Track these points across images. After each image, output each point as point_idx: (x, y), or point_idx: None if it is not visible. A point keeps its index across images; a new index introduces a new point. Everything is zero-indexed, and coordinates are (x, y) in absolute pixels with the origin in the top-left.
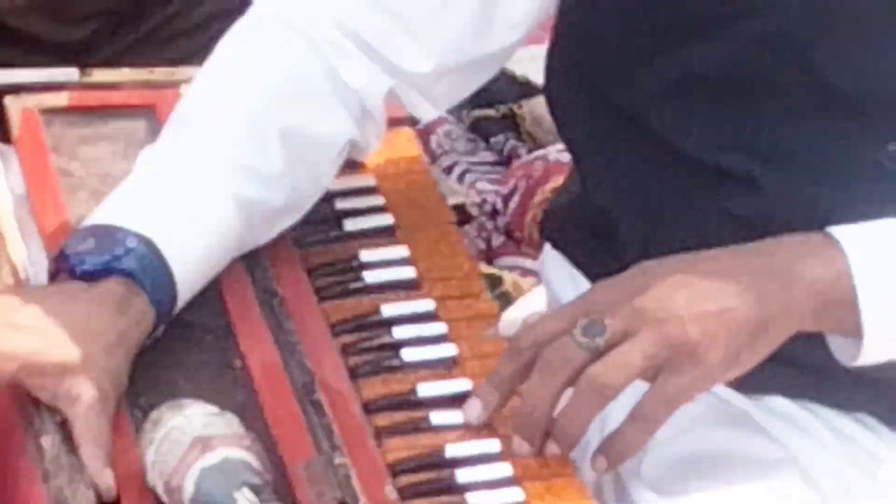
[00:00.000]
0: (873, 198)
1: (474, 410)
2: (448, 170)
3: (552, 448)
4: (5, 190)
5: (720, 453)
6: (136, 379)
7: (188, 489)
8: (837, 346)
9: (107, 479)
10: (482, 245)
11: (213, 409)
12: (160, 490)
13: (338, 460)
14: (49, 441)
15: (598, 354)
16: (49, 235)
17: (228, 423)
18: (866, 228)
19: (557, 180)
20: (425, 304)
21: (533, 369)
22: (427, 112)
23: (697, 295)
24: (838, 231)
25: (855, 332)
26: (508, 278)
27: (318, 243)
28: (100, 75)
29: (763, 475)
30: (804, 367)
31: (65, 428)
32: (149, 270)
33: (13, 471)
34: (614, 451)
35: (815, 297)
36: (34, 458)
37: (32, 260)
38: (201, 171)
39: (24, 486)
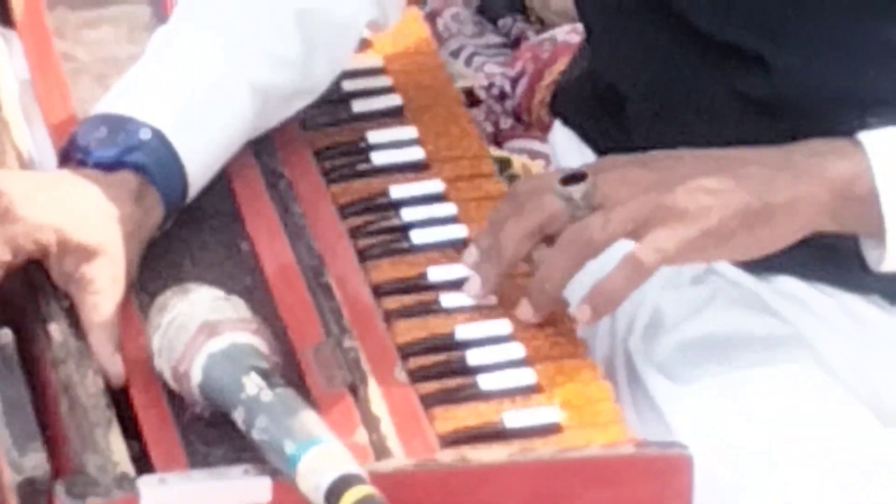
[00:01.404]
0: (884, 76)
1: (471, 256)
2: (455, 53)
3: (524, 310)
4: (9, 75)
5: (731, 335)
6: (144, 264)
7: (196, 375)
8: (867, 248)
9: (116, 365)
10: (490, 128)
11: (219, 293)
12: (167, 376)
13: (347, 343)
14: (57, 327)
15: (579, 210)
16: (54, 121)
17: (235, 308)
18: (892, 132)
19: (565, 62)
20: (435, 185)
21: (511, 214)
22: None
23: (697, 173)
24: (865, 135)
25: (878, 231)
26: (517, 161)
27: (325, 125)
28: None
29: (775, 357)
30: (814, 246)
31: (72, 314)
32: (160, 164)
33: (26, 357)
34: (601, 298)
35: (830, 193)
36: (43, 345)
37: (37, 146)
38: (215, 56)
39: (37, 371)
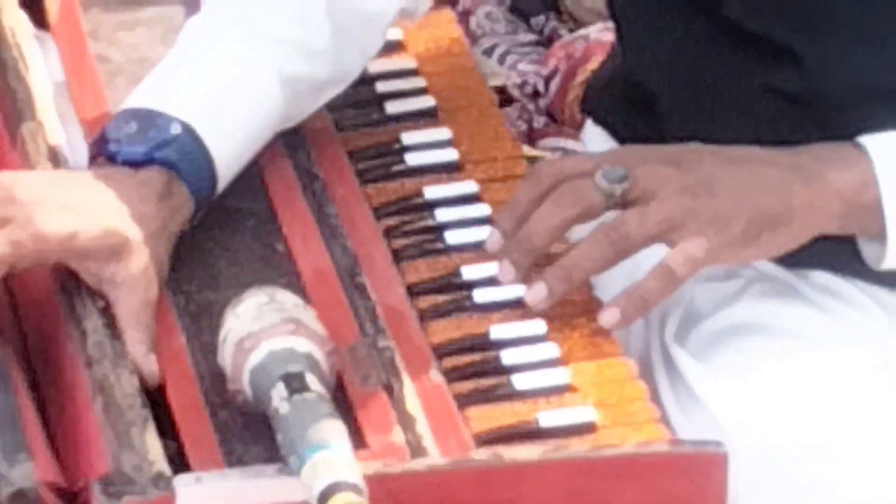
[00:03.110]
0: None
1: (494, 238)
2: (489, 51)
3: (538, 290)
4: (44, 76)
5: (767, 324)
6: (179, 264)
7: (248, 391)
8: (865, 248)
9: (150, 365)
10: (523, 127)
11: (265, 297)
12: (240, 396)
13: (382, 343)
14: (92, 326)
15: (614, 204)
16: (88, 121)
17: (280, 309)
18: (893, 137)
19: (598, 60)
20: (468, 186)
21: (546, 200)
22: None
23: (728, 173)
24: (868, 140)
25: (880, 236)
26: None
27: (359, 126)
28: None
29: (810, 345)
30: (843, 241)
31: (108, 314)
32: (189, 160)
33: (57, 357)
34: (632, 303)
35: (839, 201)
36: (77, 344)
37: (71, 146)
38: (243, 48)
39: (67, 370)
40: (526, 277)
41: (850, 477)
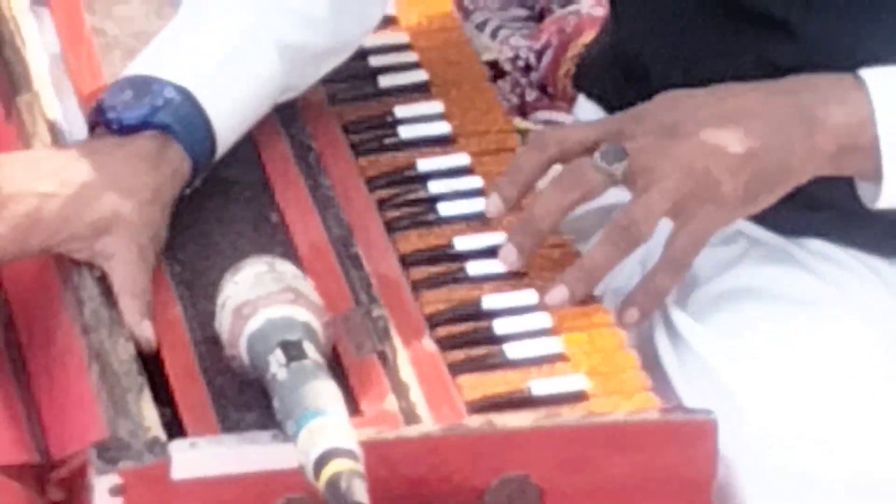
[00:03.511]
0: None
1: (494, 203)
2: (481, 26)
3: (558, 293)
4: (40, 49)
5: (765, 287)
6: (175, 234)
7: (245, 357)
8: (861, 186)
9: (146, 332)
10: (516, 100)
11: (264, 266)
12: (236, 361)
13: (376, 312)
14: (88, 295)
15: (614, 183)
16: (84, 94)
17: (279, 278)
18: (892, 71)
19: (590, 35)
20: (461, 159)
21: (548, 183)
22: None
23: (724, 136)
24: (869, 74)
25: (875, 176)
26: None
27: (352, 100)
28: None
29: (806, 308)
30: (838, 210)
31: (104, 282)
32: (185, 122)
33: (50, 325)
34: (647, 296)
35: (835, 142)
36: (73, 312)
37: (68, 118)
38: (242, 16)
39: (59, 338)
40: (527, 259)
41: (843, 428)
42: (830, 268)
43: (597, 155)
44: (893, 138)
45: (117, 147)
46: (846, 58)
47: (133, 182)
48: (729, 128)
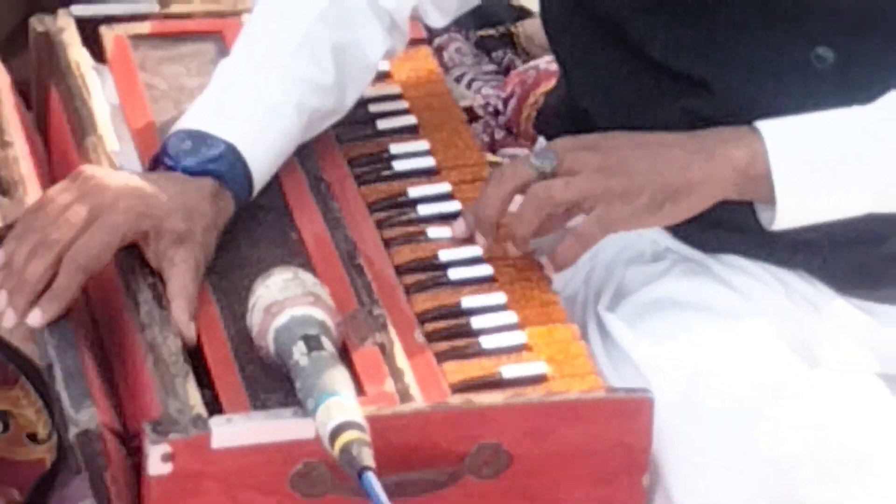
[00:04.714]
0: (805, 96)
1: (459, 226)
2: (458, 79)
3: (510, 248)
4: (103, 101)
5: (685, 297)
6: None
7: (271, 347)
8: (761, 213)
9: (190, 331)
10: (486, 139)
11: (290, 274)
12: (264, 351)
13: (376, 311)
14: (144, 299)
15: (543, 176)
16: (139, 136)
17: (302, 284)
18: (787, 120)
19: (547, 85)
20: (444, 187)
21: (492, 176)
22: (438, 20)
23: (637, 156)
24: (762, 123)
25: (771, 201)
26: None
27: (356, 139)
28: (176, 7)
29: (720, 316)
30: (751, 230)
31: (156, 288)
32: (233, 171)
33: (118, 323)
34: (557, 259)
35: (735, 172)
36: (133, 313)
37: (125, 156)
38: (272, 84)
39: (126, 334)
40: (472, 231)
41: (746, 411)
42: (744, 279)
43: (531, 155)
44: (784, 170)
45: (187, 181)
46: (750, 109)
47: (202, 209)
48: (643, 149)
